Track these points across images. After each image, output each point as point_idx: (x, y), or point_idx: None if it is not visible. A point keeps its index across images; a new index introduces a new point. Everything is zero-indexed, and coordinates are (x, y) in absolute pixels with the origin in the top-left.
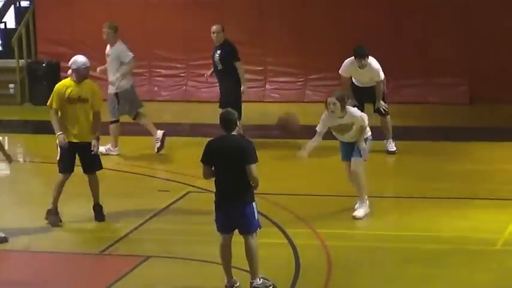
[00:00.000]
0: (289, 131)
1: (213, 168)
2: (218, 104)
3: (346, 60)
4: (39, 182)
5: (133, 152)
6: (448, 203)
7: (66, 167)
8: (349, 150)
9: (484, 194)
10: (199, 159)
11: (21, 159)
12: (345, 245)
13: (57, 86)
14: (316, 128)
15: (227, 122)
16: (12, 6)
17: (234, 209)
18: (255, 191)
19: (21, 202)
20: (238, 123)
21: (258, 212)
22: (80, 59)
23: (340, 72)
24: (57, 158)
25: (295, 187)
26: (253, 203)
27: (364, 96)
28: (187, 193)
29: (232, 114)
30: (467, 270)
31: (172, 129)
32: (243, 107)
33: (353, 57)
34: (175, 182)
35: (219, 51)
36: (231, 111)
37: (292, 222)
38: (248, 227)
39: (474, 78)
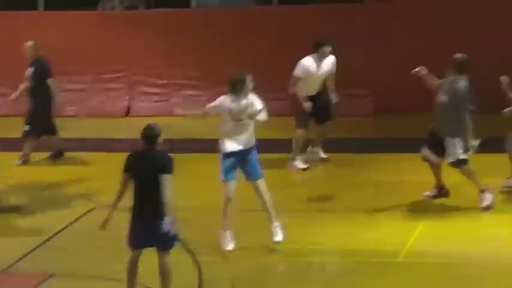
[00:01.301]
0: None
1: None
2: None
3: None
4: None
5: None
6: (354, 215)
7: None
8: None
9: (391, 205)
10: (107, 174)
11: None
12: (250, 260)
13: None
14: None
15: (149, 137)
16: None
17: (153, 224)
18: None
19: None
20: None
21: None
22: None
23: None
24: None
25: (201, 202)
26: (170, 218)
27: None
28: (92, 209)
29: (154, 128)
30: (368, 282)
31: (79, 145)
32: None
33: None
34: (82, 197)
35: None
36: (153, 125)
37: (196, 237)
38: (165, 244)
39: (378, 89)
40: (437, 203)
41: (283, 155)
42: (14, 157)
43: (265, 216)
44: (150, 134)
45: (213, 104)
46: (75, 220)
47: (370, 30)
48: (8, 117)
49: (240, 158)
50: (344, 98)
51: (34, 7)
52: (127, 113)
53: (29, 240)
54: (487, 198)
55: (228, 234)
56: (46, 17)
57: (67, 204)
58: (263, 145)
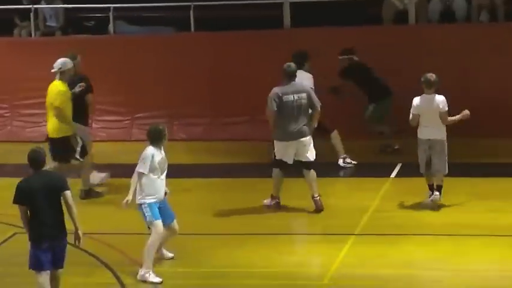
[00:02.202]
0: None
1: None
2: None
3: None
4: None
5: None
6: (277, 238)
7: None
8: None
9: (313, 229)
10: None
11: None
12: (177, 284)
13: None
14: None
15: (36, 161)
16: None
17: (59, 244)
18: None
19: None
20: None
21: None
22: None
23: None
24: None
25: (126, 226)
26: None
27: None
28: (14, 234)
29: (40, 152)
30: None
31: None
32: None
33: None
34: (1, 223)
35: None
36: (38, 149)
37: (122, 261)
38: (63, 261)
39: None
40: (360, 226)
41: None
42: None
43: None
44: (37, 158)
45: (146, 163)
46: None
47: None
48: None
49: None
50: None
51: None
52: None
53: None
54: None
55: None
56: None
57: None
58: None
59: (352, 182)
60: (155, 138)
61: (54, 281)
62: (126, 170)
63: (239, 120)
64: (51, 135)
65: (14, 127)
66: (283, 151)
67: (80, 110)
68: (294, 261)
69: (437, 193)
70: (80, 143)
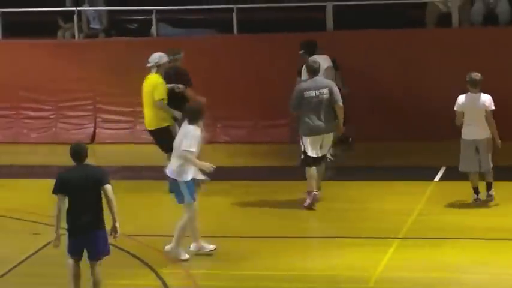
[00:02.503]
0: None
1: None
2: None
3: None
4: None
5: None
6: (321, 242)
7: None
8: None
9: (357, 233)
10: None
11: None
12: (218, 285)
13: None
14: None
15: (78, 154)
16: None
17: (93, 236)
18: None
19: None
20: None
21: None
22: None
23: None
24: None
25: (167, 228)
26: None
27: None
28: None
29: (82, 146)
30: None
31: (43, 172)
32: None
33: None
34: (48, 225)
35: None
36: (81, 143)
37: (164, 263)
38: (100, 253)
39: None
40: (404, 229)
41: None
42: None
43: None
44: (80, 151)
45: (195, 142)
46: (43, 246)
47: None
48: None
49: None
50: None
51: None
52: (92, 139)
53: None
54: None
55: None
56: (5, 46)
57: (35, 230)
58: None
59: (396, 186)
60: (196, 117)
61: (92, 272)
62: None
63: (282, 122)
64: (149, 127)
65: (59, 129)
66: (309, 146)
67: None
68: (338, 264)
69: (490, 192)
70: None
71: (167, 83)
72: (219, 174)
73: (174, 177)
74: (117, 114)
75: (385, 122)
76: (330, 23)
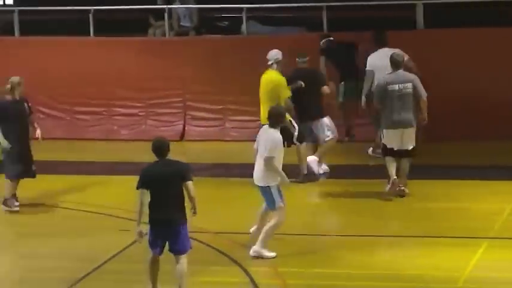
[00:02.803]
0: None
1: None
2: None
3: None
4: None
5: (93, 191)
6: (409, 241)
7: None
8: None
9: (446, 232)
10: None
11: None
12: (306, 284)
13: None
14: None
15: (160, 149)
16: None
17: (174, 230)
18: (194, 212)
19: None
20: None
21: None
22: None
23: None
24: None
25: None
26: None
27: None
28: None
29: (164, 141)
30: None
31: (132, 169)
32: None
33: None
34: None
35: None
36: (162, 139)
37: (252, 261)
38: (184, 247)
39: None
40: (494, 229)
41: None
42: None
43: None
44: (161, 146)
45: (277, 148)
46: (132, 243)
47: None
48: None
49: None
50: None
51: (85, 33)
52: (182, 137)
53: (87, 262)
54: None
55: None
56: (96, 43)
57: (125, 227)
58: None
59: (485, 185)
60: (278, 121)
61: (177, 266)
62: None
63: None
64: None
65: (148, 126)
66: (390, 138)
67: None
68: (426, 263)
69: None
70: (297, 128)
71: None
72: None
73: (261, 184)
74: (207, 111)
75: (475, 121)
76: (420, 21)
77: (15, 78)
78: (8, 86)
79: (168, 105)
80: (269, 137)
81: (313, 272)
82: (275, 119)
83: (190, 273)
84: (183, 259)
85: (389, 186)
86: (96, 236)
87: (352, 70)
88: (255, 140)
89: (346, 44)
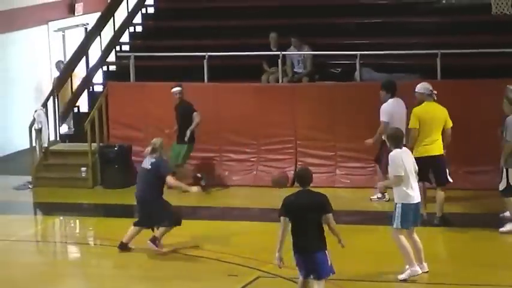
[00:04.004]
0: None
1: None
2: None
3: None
4: (108, 265)
5: (200, 234)
6: None
7: None
8: None
9: None
10: (268, 243)
11: (91, 242)
12: None
13: None
14: None
15: (303, 178)
16: (86, 91)
17: (311, 256)
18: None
19: (90, 286)
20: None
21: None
22: None
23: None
24: None
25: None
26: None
27: None
28: (257, 278)
29: (308, 170)
30: None
31: (242, 214)
32: None
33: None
34: (245, 266)
35: None
36: (307, 168)
37: None
38: (321, 273)
39: None
40: None
41: None
42: None
43: None
44: (305, 175)
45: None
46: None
47: None
48: None
49: None
50: None
51: (199, 79)
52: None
53: None
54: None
55: None
56: (209, 89)
57: (233, 272)
58: None
59: None
60: (398, 142)
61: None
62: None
63: (485, 169)
64: (439, 152)
65: (259, 171)
66: None
67: None
68: None
69: None
70: None
71: None
72: None
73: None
74: (318, 158)
75: None
76: None
77: (157, 140)
78: (150, 147)
79: (280, 151)
80: (391, 157)
81: None
82: (395, 140)
83: None
84: (317, 286)
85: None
86: (202, 281)
87: None
88: (365, 187)
89: None
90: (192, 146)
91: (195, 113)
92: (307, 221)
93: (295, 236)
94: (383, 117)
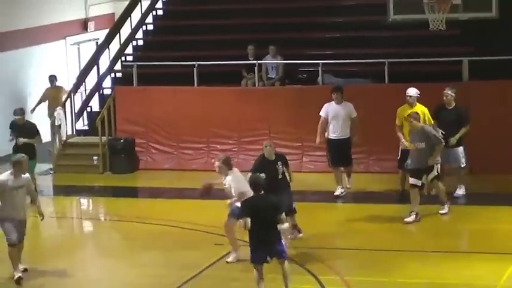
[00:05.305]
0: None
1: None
2: None
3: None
4: (116, 237)
5: (194, 213)
6: (454, 256)
7: None
8: None
9: (485, 248)
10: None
11: (102, 218)
12: None
13: None
14: None
15: (257, 185)
16: (97, 93)
17: (272, 248)
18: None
19: (102, 254)
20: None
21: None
22: None
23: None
24: None
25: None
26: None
27: None
28: (240, 246)
29: (259, 177)
30: None
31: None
32: None
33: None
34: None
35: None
36: (258, 175)
37: (324, 271)
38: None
39: None
40: None
41: None
42: None
43: None
44: (258, 182)
45: None
46: (225, 255)
47: None
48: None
49: None
50: None
51: (190, 83)
52: None
53: (187, 270)
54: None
55: None
56: (199, 92)
57: (219, 241)
58: None
59: None
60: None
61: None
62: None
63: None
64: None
65: (241, 159)
66: None
67: None
68: (470, 274)
69: None
70: None
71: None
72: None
73: None
74: (288, 148)
75: None
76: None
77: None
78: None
79: (257, 142)
80: None
81: (377, 281)
82: None
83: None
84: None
85: None
86: (194, 249)
87: None
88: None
89: None
90: None
91: None
92: (265, 220)
93: (255, 234)
94: (321, 112)
